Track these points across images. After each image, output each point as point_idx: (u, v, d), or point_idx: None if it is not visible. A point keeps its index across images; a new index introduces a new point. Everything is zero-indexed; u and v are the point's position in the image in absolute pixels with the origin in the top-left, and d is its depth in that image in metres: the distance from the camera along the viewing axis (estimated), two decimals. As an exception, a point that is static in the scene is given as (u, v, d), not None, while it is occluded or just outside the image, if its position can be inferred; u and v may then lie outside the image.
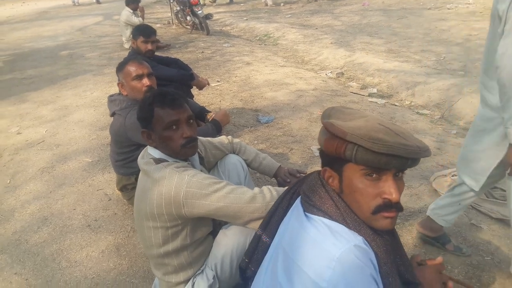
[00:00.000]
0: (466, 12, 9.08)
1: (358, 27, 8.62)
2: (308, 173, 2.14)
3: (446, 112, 4.24)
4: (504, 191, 2.71)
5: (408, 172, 3.02)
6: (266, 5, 12.33)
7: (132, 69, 2.29)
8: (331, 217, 1.04)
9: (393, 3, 11.27)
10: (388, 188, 0.99)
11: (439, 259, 1.24)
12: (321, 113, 3.77)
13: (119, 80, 2.38)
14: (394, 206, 1.00)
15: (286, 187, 1.45)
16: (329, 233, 1.01)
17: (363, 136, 0.95)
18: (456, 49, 6.44)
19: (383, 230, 1.05)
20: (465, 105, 4.22)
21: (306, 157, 3.28)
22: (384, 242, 1.05)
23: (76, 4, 17.10)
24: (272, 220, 1.30)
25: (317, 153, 3.30)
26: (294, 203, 1.24)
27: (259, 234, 1.33)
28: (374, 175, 0.99)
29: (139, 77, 2.29)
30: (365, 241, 1.01)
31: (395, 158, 0.94)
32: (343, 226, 1.02)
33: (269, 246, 1.27)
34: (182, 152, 1.61)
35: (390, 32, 7.94)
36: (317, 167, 3.10)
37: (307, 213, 1.10)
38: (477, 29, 7.44)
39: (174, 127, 1.58)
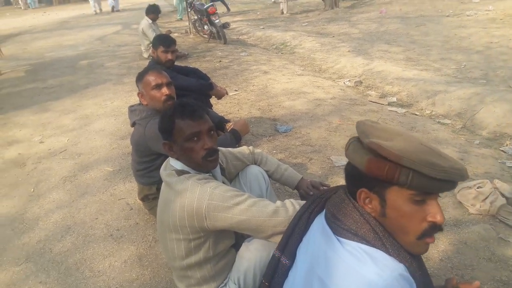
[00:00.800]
0: (486, 19, 8.93)
1: (375, 35, 8.57)
2: (331, 186, 2.13)
3: (468, 121, 4.17)
4: (532, 204, 2.64)
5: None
6: (282, 13, 12.34)
7: (152, 78, 2.32)
8: (369, 243, 1.01)
9: (410, 10, 11.17)
10: (434, 212, 0.98)
11: (476, 284, 1.19)
12: (340, 122, 3.67)
13: (139, 90, 2.41)
14: (438, 229, 1.00)
15: (304, 203, 1.43)
16: (370, 261, 0.98)
17: (420, 161, 0.93)
18: (476, 57, 6.34)
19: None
20: (488, 114, 4.14)
21: (326, 167, 3.25)
22: (419, 266, 1.04)
23: (98, 13, 17.48)
24: (290, 241, 1.26)
25: (337, 164, 3.27)
26: (315, 223, 1.21)
27: (278, 256, 1.29)
28: (421, 199, 0.98)
29: (158, 86, 2.31)
30: (406, 268, 0.99)
31: (448, 183, 0.95)
32: (383, 252, 0.99)
33: (289, 269, 1.24)
34: (204, 164, 1.61)
35: (408, 40, 7.87)
36: (338, 178, 3.07)
37: (339, 237, 1.06)
38: (498, 37, 7.32)
39: (195, 138, 1.58)
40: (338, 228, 1.06)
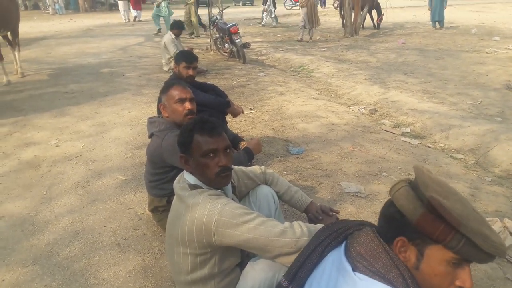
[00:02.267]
0: (505, 57, 8.93)
1: (393, 65, 8.62)
2: (340, 214, 2.12)
3: (481, 158, 4.14)
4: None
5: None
6: (300, 40, 12.50)
7: (176, 92, 2.38)
8: (396, 287, 1.00)
9: (430, 43, 11.23)
10: (465, 278, 1.00)
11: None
12: (352, 149, 3.67)
13: (161, 101, 2.47)
14: None
15: (318, 227, 1.43)
16: None
17: (477, 231, 0.94)
18: (493, 94, 6.33)
19: None
20: (502, 152, 4.11)
21: (335, 192, 3.25)
22: None
23: (127, 22, 18.13)
24: (300, 272, 1.25)
25: (347, 190, 3.27)
26: (331, 257, 1.19)
27: (285, 286, 1.28)
28: (459, 263, 0.99)
29: (182, 100, 2.38)
30: None
31: (491, 257, 0.96)
32: None
33: None
34: (217, 181, 1.65)
35: (426, 72, 7.90)
36: (346, 204, 3.07)
37: (361, 276, 1.05)
38: (517, 75, 7.30)
39: (211, 155, 1.63)
40: (364, 268, 1.05)
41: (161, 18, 13.51)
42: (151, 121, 2.51)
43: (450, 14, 14.78)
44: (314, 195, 3.22)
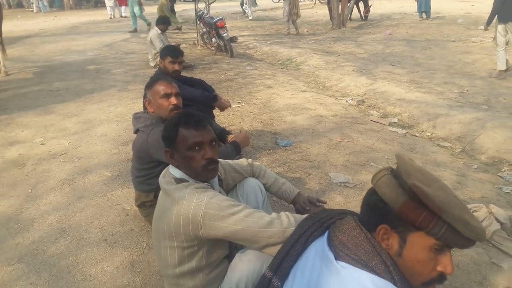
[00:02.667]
0: (491, 46, 9.00)
1: (381, 56, 8.65)
2: (328, 204, 2.13)
3: (468, 146, 4.18)
4: (527, 231, 2.64)
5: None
6: (288, 33, 12.37)
7: (161, 87, 2.36)
8: (379, 275, 1.01)
9: (417, 34, 11.29)
10: (446, 263, 1.01)
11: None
12: (340, 140, 3.67)
13: (146, 96, 2.44)
14: (443, 279, 1.04)
15: (304, 217, 1.43)
16: None
17: (459, 218, 0.95)
18: (479, 82, 6.39)
19: None
20: (488, 140, 4.15)
21: (323, 183, 3.26)
22: None
23: (112, 18, 17.95)
24: (284, 263, 1.24)
25: (335, 180, 3.28)
26: (313, 247, 1.19)
27: (269, 277, 1.28)
28: (440, 249, 1.00)
29: (167, 95, 2.36)
30: None
31: (471, 242, 0.98)
32: (391, 284, 1.00)
33: None
34: (203, 174, 1.64)
35: (413, 62, 7.94)
36: (335, 194, 3.08)
37: (343, 264, 1.05)
38: (502, 64, 7.36)
39: (197, 148, 1.62)
40: (347, 256, 1.05)
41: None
42: (136, 117, 2.48)
43: (436, 4, 14.88)
44: (303, 186, 3.22)
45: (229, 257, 1.71)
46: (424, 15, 13.71)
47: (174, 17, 13.10)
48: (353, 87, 6.44)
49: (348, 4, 13.64)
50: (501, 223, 2.63)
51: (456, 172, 3.53)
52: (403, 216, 1.00)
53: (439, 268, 1.02)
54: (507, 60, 6.51)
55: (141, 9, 13.09)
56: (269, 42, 11.13)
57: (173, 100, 2.37)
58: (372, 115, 5.15)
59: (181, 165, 1.65)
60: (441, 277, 1.04)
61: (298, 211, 2.03)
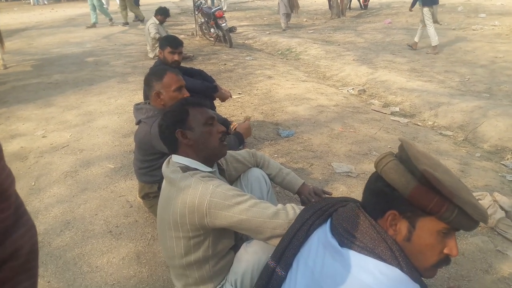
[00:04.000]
0: (491, 34, 8.97)
1: (381, 45, 8.60)
2: (332, 195, 2.13)
3: (470, 134, 4.18)
4: (531, 218, 2.64)
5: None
6: (284, 29, 11.57)
7: (173, 81, 2.36)
8: (385, 261, 1.00)
9: (416, 22, 11.15)
10: (452, 246, 1.03)
11: None
12: (342, 129, 3.66)
13: (154, 89, 2.39)
14: (449, 261, 1.06)
15: (302, 213, 1.41)
16: (385, 280, 0.97)
17: (468, 201, 0.96)
18: (480, 71, 6.36)
19: None
20: (490, 128, 4.15)
21: (326, 173, 3.26)
22: (425, 285, 1.07)
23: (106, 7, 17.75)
24: (286, 252, 1.24)
25: (338, 170, 3.28)
26: (316, 235, 1.18)
27: (273, 266, 1.27)
28: (448, 233, 1.02)
29: (179, 89, 2.37)
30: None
31: (477, 224, 1.00)
32: (398, 270, 1.00)
33: (284, 280, 1.22)
34: (220, 148, 1.69)
35: (413, 51, 7.90)
36: (338, 184, 3.07)
37: (349, 251, 1.04)
38: (503, 52, 7.35)
39: (210, 122, 1.68)
40: (351, 244, 1.05)
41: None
42: (137, 108, 2.47)
43: (436, -8, 14.71)
44: (305, 176, 3.22)
45: (235, 249, 1.71)
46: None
47: (137, 9, 12.53)
48: (354, 77, 6.41)
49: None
50: (506, 211, 2.64)
51: (459, 160, 3.52)
52: (413, 201, 1.00)
53: (445, 251, 1.03)
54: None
55: (101, 2, 12.32)
56: (268, 32, 11.06)
57: (185, 92, 2.40)
58: (373, 104, 5.13)
59: (196, 144, 1.64)
60: (447, 260, 1.05)
61: (304, 202, 2.03)
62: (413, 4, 7.89)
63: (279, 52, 8.95)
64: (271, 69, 6.84)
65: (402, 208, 1.03)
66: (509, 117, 4.23)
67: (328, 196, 2.06)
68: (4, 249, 0.64)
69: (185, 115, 1.66)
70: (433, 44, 7.70)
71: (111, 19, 12.60)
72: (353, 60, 7.32)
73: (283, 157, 3.55)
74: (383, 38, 9.21)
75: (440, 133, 4.26)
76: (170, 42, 3.42)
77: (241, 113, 4.66)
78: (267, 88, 5.61)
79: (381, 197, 1.07)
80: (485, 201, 2.69)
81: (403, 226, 1.04)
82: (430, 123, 4.59)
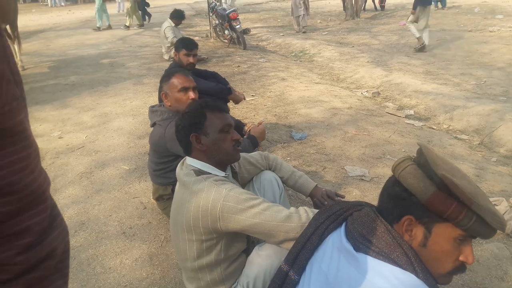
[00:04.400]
0: (509, 36, 8.81)
1: (395, 47, 8.52)
2: (345, 198, 2.12)
3: (486, 138, 4.11)
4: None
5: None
6: (299, 31, 11.30)
7: (179, 81, 2.37)
8: (401, 266, 1.00)
9: (432, 24, 11.04)
10: (468, 253, 1.02)
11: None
12: (356, 132, 3.65)
13: (162, 90, 2.44)
14: (465, 268, 1.05)
15: (316, 217, 1.41)
16: (400, 286, 0.97)
17: (487, 209, 0.95)
18: (497, 73, 6.25)
19: None
20: (507, 132, 4.07)
21: (339, 176, 3.24)
22: None
23: (121, 11, 17.90)
24: (300, 256, 1.23)
25: (351, 174, 3.26)
26: (330, 239, 1.18)
27: (286, 270, 1.26)
28: (464, 239, 1.01)
29: (185, 89, 2.37)
30: None
31: (495, 232, 0.98)
32: (413, 276, 0.99)
33: (297, 284, 1.22)
34: (233, 154, 1.69)
35: (428, 53, 7.81)
36: (351, 188, 3.06)
37: (366, 256, 1.04)
38: (521, 54, 7.21)
39: (227, 130, 1.68)
40: (367, 248, 1.05)
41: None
42: (152, 110, 2.49)
43: (452, -7, 14.55)
44: (318, 180, 3.21)
45: (247, 252, 1.71)
46: (439, 4, 13.44)
47: (138, 15, 12.49)
48: (368, 79, 6.37)
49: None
50: (522, 217, 2.59)
51: (475, 165, 3.47)
52: (431, 207, 0.99)
53: (461, 258, 1.02)
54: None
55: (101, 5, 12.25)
56: (282, 34, 11.06)
57: (191, 94, 2.38)
58: (387, 107, 5.09)
59: (210, 149, 1.66)
60: (462, 267, 1.04)
61: (316, 205, 2.02)
62: (415, 6, 7.80)
63: (293, 54, 8.94)
64: (285, 71, 6.83)
65: (419, 214, 1.02)
66: (527, 121, 4.15)
67: (341, 199, 2.05)
68: (41, 249, 0.67)
69: (202, 118, 1.66)
70: (416, 36, 7.95)
71: (99, 28, 12.56)
72: (367, 62, 7.27)
73: (296, 160, 3.54)
74: (397, 40, 9.12)
75: (455, 137, 4.20)
76: (186, 44, 3.45)
77: (254, 115, 4.67)
78: (280, 90, 5.61)
79: (398, 202, 1.06)
80: (501, 206, 2.64)
81: (419, 232, 1.03)
82: (445, 126, 4.52)
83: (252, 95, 5.42)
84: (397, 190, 1.06)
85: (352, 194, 2.98)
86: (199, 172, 1.62)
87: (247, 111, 4.80)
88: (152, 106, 2.54)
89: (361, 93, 5.74)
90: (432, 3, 13.45)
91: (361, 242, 1.06)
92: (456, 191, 0.94)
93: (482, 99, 5.03)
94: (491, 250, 2.32)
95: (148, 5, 13.71)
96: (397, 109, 5.02)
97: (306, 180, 2.11)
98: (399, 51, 8.12)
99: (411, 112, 4.93)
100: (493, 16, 11.46)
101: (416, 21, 7.83)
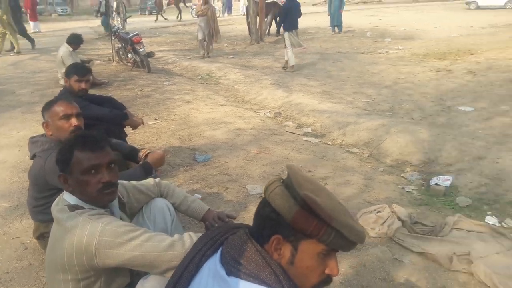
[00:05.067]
0: (395, 57, 9.82)
1: (296, 69, 9.01)
2: (236, 218, 2.14)
3: (375, 150, 4.48)
4: (425, 225, 2.87)
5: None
6: (203, 56, 10.92)
7: (60, 108, 2.24)
8: (270, 286, 1.03)
9: (329, 47, 11.97)
10: (333, 266, 1.08)
11: None
12: (257, 151, 3.72)
13: (44, 119, 2.29)
14: (330, 280, 1.11)
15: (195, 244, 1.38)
16: None
17: (346, 224, 1.01)
18: (385, 91, 6.90)
19: None
20: (392, 144, 4.49)
21: (241, 196, 3.28)
22: None
23: (38, 31, 16.47)
24: (178, 285, 1.21)
25: (252, 192, 3.32)
26: (206, 267, 1.18)
27: None
28: (327, 254, 1.06)
29: (67, 117, 2.24)
30: None
31: (354, 245, 1.05)
32: None
33: None
34: (99, 198, 1.56)
35: (325, 74, 8.38)
36: (252, 206, 3.10)
37: (232, 278, 1.06)
38: (405, 73, 8.05)
39: (93, 171, 1.54)
40: (238, 271, 1.06)
41: None
42: (33, 141, 2.32)
43: (348, 19, 15.87)
44: (219, 200, 3.22)
45: (132, 286, 1.63)
46: (336, 29, 14.57)
47: (15, 34, 11.21)
48: (270, 100, 6.62)
49: (266, 19, 14.07)
50: (403, 221, 2.84)
51: (364, 175, 3.75)
52: (295, 225, 1.03)
53: (326, 271, 1.08)
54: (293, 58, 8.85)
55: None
56: (188, 57, 11.08)
57: (74, 121, 2.25)
58: (288, 126, 5.33)
59: (76, 190, 1.57)
60: (328, 279, 1.10)
61: (208, 229, 2.01)
62: (277, 30, 8.75)
63: (199, 77, 8.99)
64: (190, 94, 6.83)
65: (286, 233, 1.06)
66: (409, 134, 4.61)
67: (232, 220, 2.07)
68: None
69: (69, 157, 1.55)
70: (290, 64, 8.85)
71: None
72: (270, 84, 7.57)
73: (198, 183, 3.52)
74: (298, 63, 9.64)
75: (348, 151, 4.52)
76: (77, 70, 3.28)
77: (156, 139, 4.57)
78: (185, 113, 5.58)
79: (268, 222, 1.09)
80: (384, 213, 2.88)
81: (286, 250, 1.07)
82: (338, 141, 4.85)
83: (155, 119, 5.31)
84: (267, 211, 1.09)
85: (252, 212, 3.01)
86: (73, 208, 1.52)
87: (149, 136, 4.68)
88: (33, 137, 2.36)
89: (264, 113, 5.94)
90: (330, 27, 14.72)
91: (233, 266, 1.08)
92: (317, 209, 1.00)
93: (371, 115, 5.49)
94: (376, 254, 2.51)
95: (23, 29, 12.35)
96: (296, 128, 5.27)
97: (199, 204, 2.10)
98: (299, 73, 8.60)
99: (309, 129, 5.21)
100: (383, 39, 12.74)
101: (292, 45, 8.68)
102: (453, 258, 2.42)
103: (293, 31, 8.72)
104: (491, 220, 3.04)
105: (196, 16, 14.93)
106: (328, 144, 4.73)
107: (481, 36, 11.72)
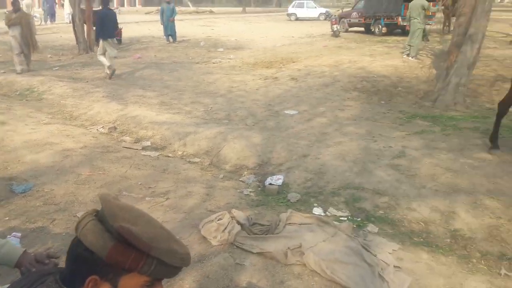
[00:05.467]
0: (228, 66, 10.32)
1: (130, 80, 8.66)
2: (59, 257, 1.89)
3: (214, 158, 4.59)
4: (263, 225, 3.05)
5: (178, 222, 3.07)
6: (20, 72, 9.12)
7: None
8: None
9: (165, 56, 11.89)
10: None
11: None
12: (90, 173, 3.42)
13: None
14: None
15: None
16: None
17: (166, 251, 0.93)
18: (220, 100, 7.16)
19: None
20: (230, 150, 4.66)
21: (71, 226, 2.95)
22: None
23: None
24: None
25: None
26: None
27: None
28: (151, 284, 0.97)
29: None
30: None
31: (179, 269, 0.99)
32: None
33: None
34: None
35: (162, 85, 8.27)
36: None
37: None
38: (237, 81, 8.51)
39: None
40: None
41: None
42: None
43: (182, 28, 16.05)
44: (46, 235, 2.84)
45: None
46: (170, 39, 14.59)
47: None
48: (104, 114, 6.17)
49: (94, 28, 13.14)
50: (241, 224, 2.95)
51: (205, 184, 3.80)
52: (112, 261, 0.93)
53: None
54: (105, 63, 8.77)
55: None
56: (3, 71, 9.60)
57: None
58: (124, 141, 5.05)
59: None
60: None
61: (23, 275, 1.72)
62: (96, 39, 8.81)
63: (18, 93, 7.86)
64: (5, 114, 5.91)
65: (102, 272, 0.94)
66: (244, 139, 4.86)
67: (54, 260, 1.81)
68: None
69: None
70: (106, 71, 8.78)
71: None
72: (103, 96, 7.07)
73: (18, 218, 3.05)
74: (132, 73, 9.31)
75: (189, 161, 4.52)
76: None
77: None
78: (-1, 137, 4.78)
79: (81, 263, 0.96)
80: (225, 219, 2.95)
81: None
82: (180, 153, 4.82)
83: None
84: (79, 251, 0.96)
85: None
86: None
87: None
88: None
89: (97, 129, 5.51)
90: (164, 36, 14.63)
91: None
92: (133, 240, 0.91)
93: (209, 124, 5.62)
94: (219, 263, 2.54)
95: None
96: (134, 142, 5.03)
97: (10, 248, 1.76)
98: (134, 84, 8.28)
99: (148, 143, 5.04)
100: (216, 49, 13.27)
101: (104, 53, 8.58)
102: (288, 253, 2.62)
103: (109, 39, 8.64)
104: (317, 211, 3.40)
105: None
106: (169, 156, 4.64)
107: (300, 45, 13.27)
